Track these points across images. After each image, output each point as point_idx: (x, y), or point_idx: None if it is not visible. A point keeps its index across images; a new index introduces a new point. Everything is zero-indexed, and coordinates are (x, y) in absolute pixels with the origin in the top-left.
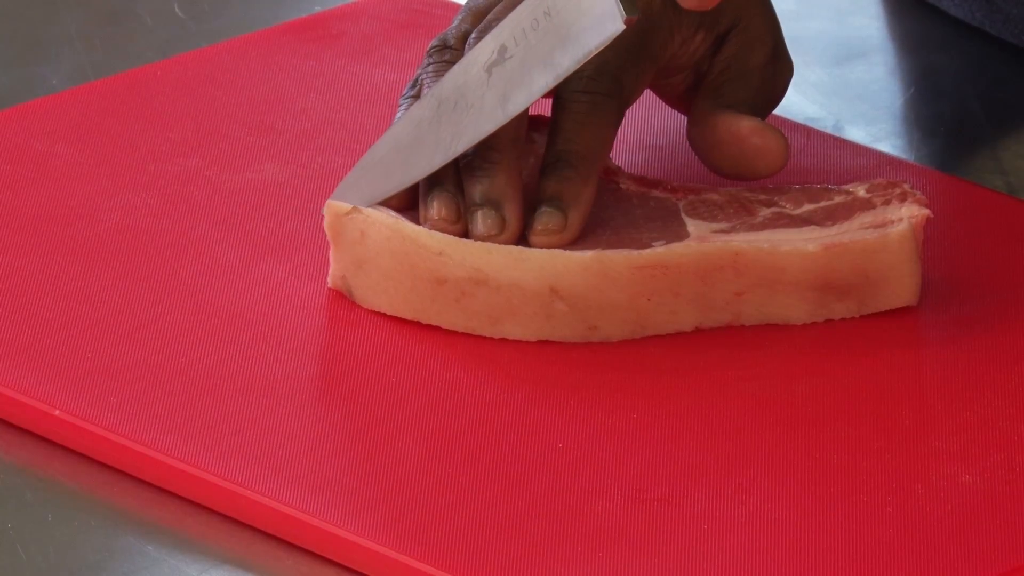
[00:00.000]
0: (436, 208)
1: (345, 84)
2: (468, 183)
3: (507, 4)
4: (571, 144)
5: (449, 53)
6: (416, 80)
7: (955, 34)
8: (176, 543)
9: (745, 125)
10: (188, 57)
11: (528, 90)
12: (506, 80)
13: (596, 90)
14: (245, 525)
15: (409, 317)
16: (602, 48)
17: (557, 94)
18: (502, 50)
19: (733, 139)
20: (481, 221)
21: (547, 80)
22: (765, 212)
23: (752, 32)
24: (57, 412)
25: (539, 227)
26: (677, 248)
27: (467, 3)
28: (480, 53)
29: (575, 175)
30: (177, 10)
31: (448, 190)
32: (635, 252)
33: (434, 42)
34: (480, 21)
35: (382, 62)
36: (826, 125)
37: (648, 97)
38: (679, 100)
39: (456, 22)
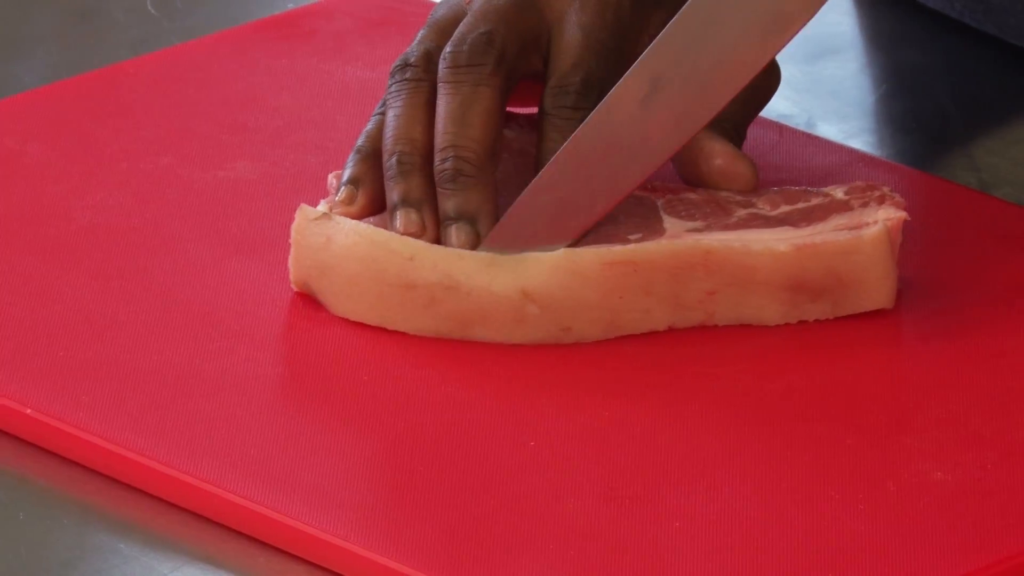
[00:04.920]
0: (402, 224)
1: (318, 82)
2: (442, 196)
3: (474, 19)
4: None
5: (411, 71)
6: (383, 101)
7: (928, 30)
8: (148, 541)
9: (717, 149)
10: (161, 55)
11: (709, 105)
12: (671, 105)
13: (584, 106)
14: (217, 523)
15: (374, 323)
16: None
17: (543, 109)
18: (655, 80)
19: (703, 159)
20: (455, 235)
21: (729, 87)
22: (741, 213)
23: None
24: (29, 411)
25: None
26: (648, 245)
27: (430, 20)
28: (625, 92)
29: None
30: (150, 8)
31: (414, 205)
32: (604, 248)
33: (397, 62)
34: (444, 38)
35: (355, 60)
36: (798, 122)
37: None
38: None
39: (418, 39)
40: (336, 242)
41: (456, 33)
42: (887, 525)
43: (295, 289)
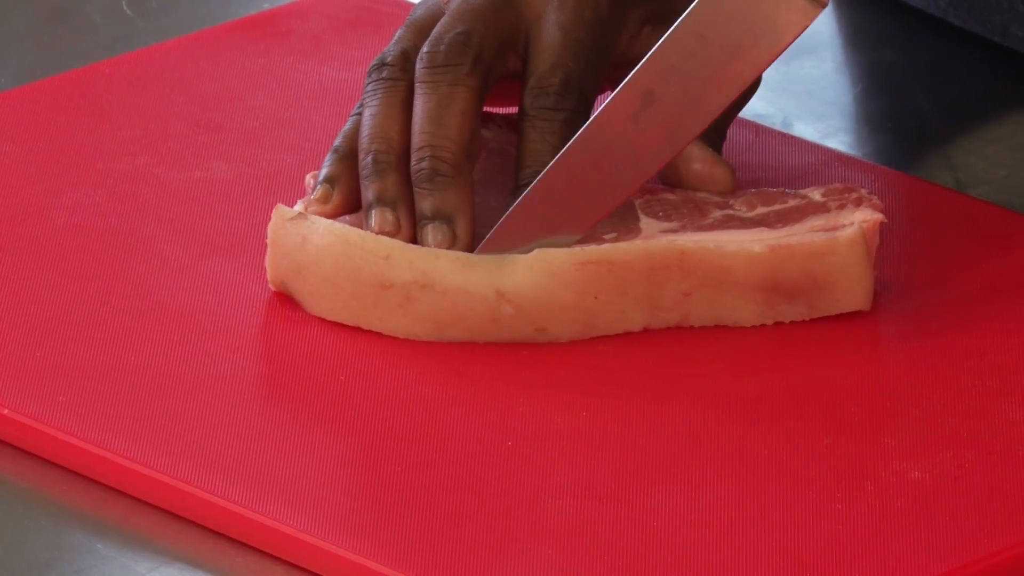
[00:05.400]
0: (377, 223)
1: (294, 82)
2: (418, 196)
3: (452, 19)
4: (546, 165)
5: (388, 70)
6: (361, 101)
7: (904, 30)
8: (126, 541)
9: (695, 153)
10: (136, 55)
11: (700, 117)
12: (664, 119)
13: (565, 107)
14: (195, 523)
15: (350, 323)
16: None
17: (523, 110)
18: (647, 95)
19: (681, 162)
20: (431, 235)
21: (720, 100)
22: (717, 214)
23: None
24: (6, 411)
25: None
26: (622, 245)
27: (408, 20)
28: (617, 107)
29: None
30: (126, 8)
31: (389, 203)
32: (578, 248)
33: (374, 61)
34: (421, 38)
35: (331, 59)
36: (775, 122)
37: None
38: None
39: (396, 39)
40: (312, 242)
41: (433, 33)
42: (865, 524)
43: (273, 289)
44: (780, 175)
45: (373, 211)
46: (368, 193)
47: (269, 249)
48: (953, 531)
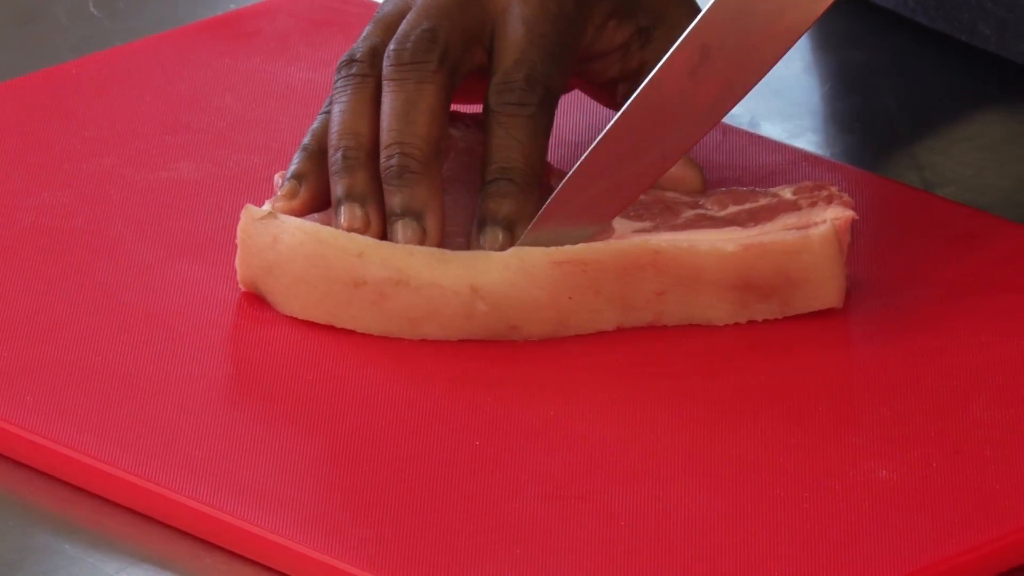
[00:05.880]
0: (346, 219)
1: (260, 82)
2: (388, 192)
3: (417, 16)
4: (512, 161)
5: (357, 67)
6: (329, 99)
7: (872, 30)
8: (94, 542)
9: None
10: (103, 56)
11: (757, 69)
12: (721, 73)
13: (530, 102)
14: (163, 524)
15: (323, 321)
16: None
17: (488, 106)
18: (704, 50)
19: None
20: (401, 231)
21: (775, 51)
22: (688, 213)
23: (679, 32)
24: None
25: (486, 246)
26: (596, 245)
27: (376, 16)
28: (673, 64)
29: (519, 193)
30: (92, 9)
31: (358, 199)
32: (553, 248)
33: (343, 58)
34: (389, 34)
35: (298, 60)
36: (742, 122)
37: (580, 96)
38: (602, 90)
39: (364, 36)
40: (283, 241)
41: (399, 30)
42: (833, 523)
43: (243, 289)
44: (748, 175)
45: (342, 207)
46: (337, 189)
47: (239, 249)
48: (920, 530)
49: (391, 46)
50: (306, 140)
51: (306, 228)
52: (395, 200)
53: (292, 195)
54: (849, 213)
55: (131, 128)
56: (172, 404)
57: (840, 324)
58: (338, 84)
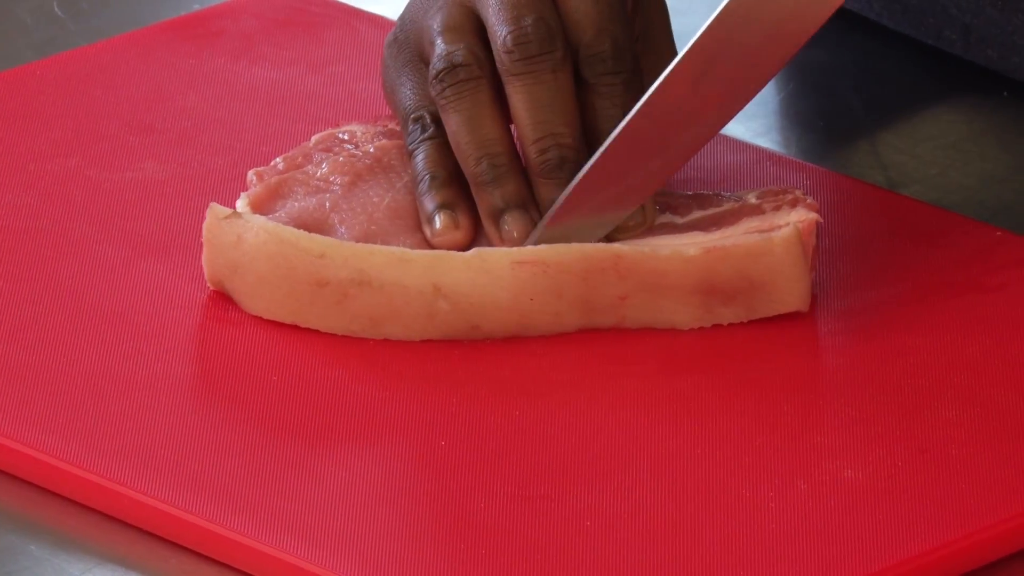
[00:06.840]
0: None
1: (225, 82)
2: (546, 186)
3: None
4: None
5: (464, 71)
6: (414, 120)
7: (835, 30)
8: (59, 542)
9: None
10: (67, 56)
11: (758, 79)
12: (723, 83)
13: (623, 69)
14: (128, 524)
15: (287, 321)
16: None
17: (582, 80)
18: (707, 61)
19: None
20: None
21: (777, 60)
22: None
23: (654, 36)
24: None
25: (631, 223)
26: (558, 247)
27: (435, 27)
28: (677, 75)
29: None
30: (56, 9)
31: (522, 206)
32: (515, 248)
33: (437, 66)
34: (470, 36)
35: (262, 60)
36: None
37: None
38: None
39: (440, 45)
40: (247, 240)
41: (508, 26)
42: (797, 523)
43: (211, 288)
44: (713, 175)
45: (507, 216)
46: (495, 199)
47: (205, 248)
48: (886, 529)
49: (508, 40)
50: (427, 171)
51: (269, 228)
52: (557, 194)
53: (454, 226)
54: (813, 216)
55: (95, 128)
56: (137, 404)
57: (805, 324)
58: (447, 94)
